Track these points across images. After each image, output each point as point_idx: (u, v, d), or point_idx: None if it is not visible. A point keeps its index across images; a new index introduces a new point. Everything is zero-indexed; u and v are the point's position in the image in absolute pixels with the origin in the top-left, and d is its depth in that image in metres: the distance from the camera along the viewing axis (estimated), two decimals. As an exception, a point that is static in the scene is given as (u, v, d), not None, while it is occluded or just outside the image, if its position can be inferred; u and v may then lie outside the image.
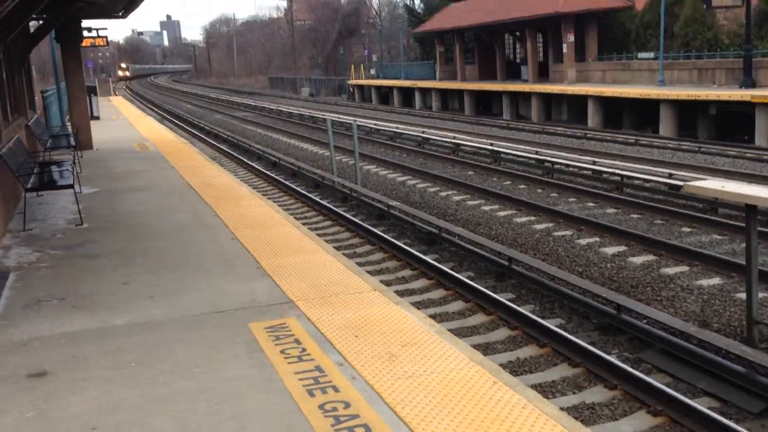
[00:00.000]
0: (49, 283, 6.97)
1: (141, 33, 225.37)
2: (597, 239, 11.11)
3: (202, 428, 4.04)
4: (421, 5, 55.95)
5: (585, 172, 16.20)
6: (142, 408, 4.29)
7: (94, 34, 23.46)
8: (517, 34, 39.77)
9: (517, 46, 42.63)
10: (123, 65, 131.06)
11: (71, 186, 10.06)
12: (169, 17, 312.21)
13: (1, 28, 9.50)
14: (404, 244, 10.85)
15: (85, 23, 20.75)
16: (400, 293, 8.66)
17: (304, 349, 5.07)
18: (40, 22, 16.39)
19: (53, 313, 6.07)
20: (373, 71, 58.34)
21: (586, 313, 7.92)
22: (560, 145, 22.56)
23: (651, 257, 10.01)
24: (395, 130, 26.34)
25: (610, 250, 10.45)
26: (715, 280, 8.85)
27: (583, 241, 11.02)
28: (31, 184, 9.94)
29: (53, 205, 11.02)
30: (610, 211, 13.11)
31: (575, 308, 8.10)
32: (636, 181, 14.66)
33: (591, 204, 13.74)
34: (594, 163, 16.34)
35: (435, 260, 10.02)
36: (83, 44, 20.74)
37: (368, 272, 7.64)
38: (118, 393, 4.50)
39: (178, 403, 4.35)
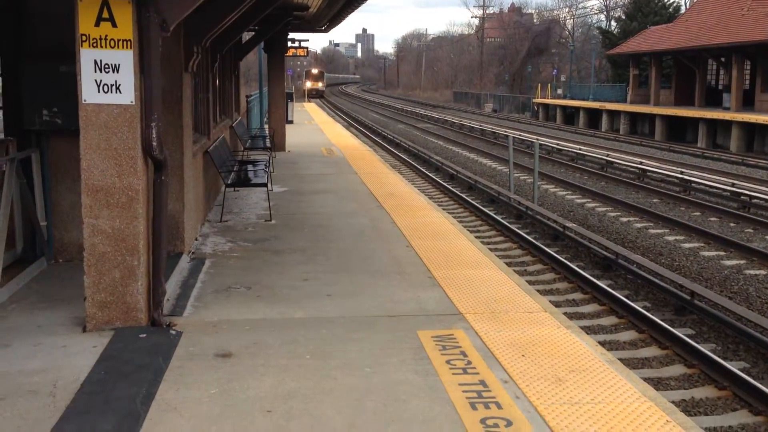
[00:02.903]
0: (238, 272, 7.54)
1: (337, 44, 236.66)
2: (795, 283, 10.21)
3: (369, 427, 4.20)
4: (617, 28, 54.19)
5: (787, 209, 14.91)
6: (313, 399, 4.55)
7: (296, 44, 24.97)
8: (722, 59, 37.34)
9: (721, 72, 40.02)
10: (314, 71, 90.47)
11: (265, 185, 10.81)
12: (364, 30, 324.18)
13: (219, 41, 10.41)
14: (577, 266, 10.59)
15: (289, 35, 22.21)
16: (570, 316, 8.45)
17: (469, 362, 5.12)
18: (252, 34, 17.78)
19: (240, 300, 6.57)
20: (560, 91, 57.22)
21: (775, 361, 7.32)
22: (761, 178, 20.89)
23: None
24: (578, 151, 25.68)
25: (810, 297, 9.57)
26: None
27: (779, 284, 10.17)
28: (230, 180, 10.80)
29: (247, 200, 11.88)
30: (814, 253, 11.97)
31: (763, 353, 7.51)
32: None
33: (791, 244, 12.64)
34: (798, 200, 15.01)
35: (609, 286, 9.69)
36: (286, 54, 22.17)
37: (537, 291, 7.55)
38: (292, 382, 4.80)
39: (347, 399, 4.55)
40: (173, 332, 5.62)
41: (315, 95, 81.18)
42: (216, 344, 5.45)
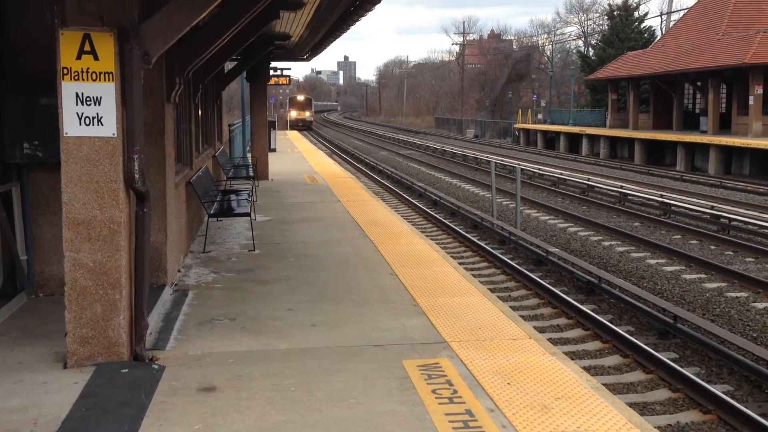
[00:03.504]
0: (222, 304, 7.49)
1: (319, 72, 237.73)
2: (776, 305, 10.30)
3: (353, 457, 4.17)
4: (595, 54, 55.08)
5: (767, 231, 15.08)
6: None
7: (278, 73, 25.09)
8: (699, 84, 37.98)
9: (697, 95, 40.68)
10: (300, 98, 75.33)
11: (248, 214, 10.79)
12: (346, 58, 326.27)
13: (201, 71, 10.45)
14: (561, 291, 10.62)
15: (272, 64, 22.32)
16: (554, 342, 8.46)
17: (455, 391, 5.10)
18: (235, 63, 17.87)
19: (224, 332, 6.52)
20: (540, 116, 57.80)
21: (758, 383, 7.36)
22: (739, 200, 21.15)
23: (839, 330, 9.12)
24: (559, 175, 25.89)
25: (791, 318, 9.65)
26: None
27: (760, 305, 10.26)
28: (213, 210, 10.76)
29: (230, 230, 11.83)
30: (793, 275, 12.10)
31: (747, 376, 7.55)
32: (825, 245, 13.45)
33: (771, 266, 12.77)
34: (777, 222, 15.19)
35: (592, 311, 9.72)
36: (268, 83, 22.27)
37: (522, 317, 7.57)
38: (277, 415, 4.75)
39: (333, 431, 4.52)
40: (156, 367, 5.56)
41: (301, 126, 68.14)
42: (199, 378, 5.39)
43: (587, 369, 7.69)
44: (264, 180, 19.43)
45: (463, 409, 4.79)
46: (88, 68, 5.37)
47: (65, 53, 5.35)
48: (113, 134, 5.43)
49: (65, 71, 5.37)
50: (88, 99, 5.39)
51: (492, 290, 10.44)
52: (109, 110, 5.41)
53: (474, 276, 10.73)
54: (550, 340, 8.02)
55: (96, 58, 5.36)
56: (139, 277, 5.67)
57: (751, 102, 32.57)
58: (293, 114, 71.26)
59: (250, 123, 22.03)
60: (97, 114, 5.40)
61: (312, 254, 9.96)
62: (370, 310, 7.18)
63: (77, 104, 5.39)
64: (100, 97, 5.40)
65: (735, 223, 15.96)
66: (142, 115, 5.65)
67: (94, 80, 5.38)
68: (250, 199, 11.73)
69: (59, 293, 6.50)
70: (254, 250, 10.18)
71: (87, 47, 5.34)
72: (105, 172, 5.44)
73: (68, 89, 5.38)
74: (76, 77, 5.37)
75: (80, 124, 5.40)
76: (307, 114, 73.31)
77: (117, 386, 5.11)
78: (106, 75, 5.39)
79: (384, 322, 6.80)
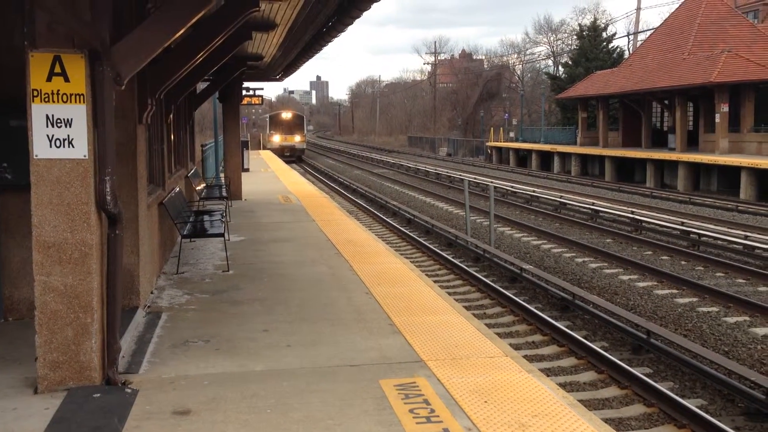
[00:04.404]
0: (196, 325, 7.40)
1: (292, 92, 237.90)
2: (746, 318, 10.45)
3: (331, 479, 4.13)
4: (564, 73, 55.85)
5: (735, 246, 15.33)
6: (275, 453, 4.45)
7: (251, 93, 25.08)
8: (666, 102, 38.67)
9: (665, 114, 41.40)
10: (286, 115, 56.28)
11: (221, 235, 10.71)
12: (318, 77, 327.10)
13: (174, 92, 10.41)
14: (536, 308, 10.68)
15: (244, 84, 22.31)
16: (530, 359, 8.51)
17: (432, 410, 5.09)
18: (207, 83, 17.84)
19: (199, 354, 6.44)
20: (512, 134, 58.38)
21: (731, 396, 7.45)
22: (708, 216, 21.49)
23: (808, 342, 9.27)
24: (532, 193, 26.11)
25: (761, 331, 9.80)
26: None
27: (731, 319, 10.40)
28: (186, 231, 10.67)
29: (204, 251, 11.73)
30: (763, 289, 12.31)
31: (719, 390, 7.63)
32: (792, 259, 13.69)
33: (741, 280, 12.97)
34: (746, 237, 15.43)
35: (567, 327, 9.78)
36: (241, 103, 22.23)
37: (497, 335, 7.58)
38: (253, 436, 4.70)
39: (309, 452, 4.48)
40: (129, 390, 5.47)
41: (289, 157, 48.75)
42: (174, 401, 5.31)
43: (563, 385, 7.72)
44: (237, 200, 19.33)
45: (441, 429, 4.78)
46: (58, 90, 5.32)
47: (35, 75, 5.29)
48: (84, 156, 5.38)
49: (35, 93, 5.31)
50: (58, 121, 5.34)
51: (467, 308, 10.47)
52: (80, 132, 5.36)
53: (449, 294, 10.75)
54: (525, 357, 8.06)
55: (67, 79, 5.32)
56: (111, 300, 5.59)
57: (717, 120, 33.23)
58: (276, 139, 53.21)
59: (223, 143, 21.95)
60: (68, 136, 5.35)
61: (287, 274, 9.90)
62: (346, 330, 7.15)
63: (47, 126, 5.33)
64: (71, 119, 5.35)
65: (704, 238, 16.19)
66: (114, 137, 5.60)
67: (64, 102, 5.33)
68: (223, 220, 11.66)
69: (29, 317, 6.39)
70: (228, 271, 10.10)
71: (57, 69, 5.30)
72: (76, 194, 5.38)
73: (38, 111, 5.33)
74: (47, 99, 5.32)
75: (51, 146, 5.34)
76: (297, 139, 53.40)
77: (89, 411, 5.02)
78: (77, 97, 5.35)
79: (360, 341, 6.77)
